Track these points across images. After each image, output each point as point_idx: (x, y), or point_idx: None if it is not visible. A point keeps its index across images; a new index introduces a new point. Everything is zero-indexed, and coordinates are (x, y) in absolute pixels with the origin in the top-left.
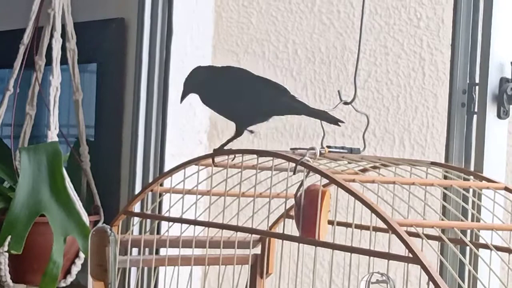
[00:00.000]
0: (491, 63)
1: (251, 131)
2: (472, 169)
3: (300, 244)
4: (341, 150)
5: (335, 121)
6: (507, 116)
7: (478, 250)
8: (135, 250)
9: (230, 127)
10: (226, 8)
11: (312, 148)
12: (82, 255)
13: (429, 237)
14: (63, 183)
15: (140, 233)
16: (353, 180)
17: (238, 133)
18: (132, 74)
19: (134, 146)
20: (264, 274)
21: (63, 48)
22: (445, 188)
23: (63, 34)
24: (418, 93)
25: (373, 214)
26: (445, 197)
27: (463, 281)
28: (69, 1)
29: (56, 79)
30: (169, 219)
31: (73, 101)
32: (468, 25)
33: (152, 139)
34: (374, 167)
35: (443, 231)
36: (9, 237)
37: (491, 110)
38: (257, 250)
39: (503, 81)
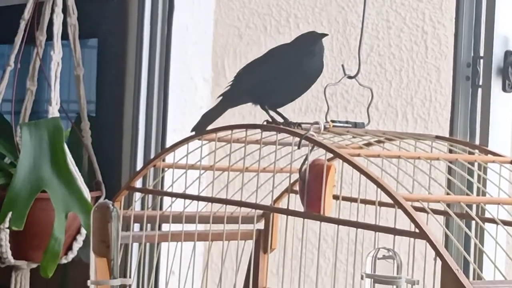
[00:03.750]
0: (496, 36)
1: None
2: (477, 143)
3: (304, 219)
4: (346, 125)
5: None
6: None
7: (484, 224)
8: (137, 226)
9: None
10: None
11: (317, 123)
12: (83, 231)
13: (434, 211)
14: (64, 159)
15: (142, 209)
16: (358, 155)
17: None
18: (133, 49)
19: (136, 121)
20: (268, 249)
21: (64, 23)
22: (450, 162)
23: (64, 9)
24: (421, 67)
25: (378, 189)
26: (450, 171)
27: (469, 255)
28: None
29: (57, 54)
30: (172, 195)
31: (74, 76)
32: None
33: (153, 114)
34: (379, 141)
35: (448, 205)
36: (10, 213)
37: (496, 84)
38: (261, 225)
39: (508, 54)
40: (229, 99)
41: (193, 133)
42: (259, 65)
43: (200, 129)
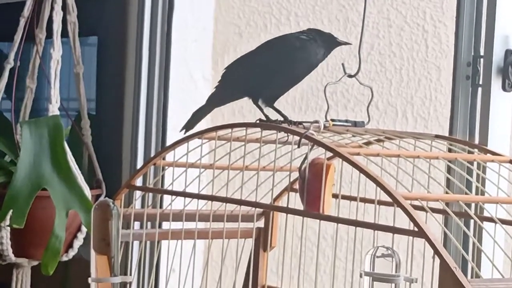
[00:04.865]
0: (496, 35)
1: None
2: (476, 142)
3: (304, 218)
4: (345, 123)
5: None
6: None
7: (482, 223)
8: (137, 224)
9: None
10: None
11: (316, 121)
12: (84, 229)
13: (433, 210)
14: (64, 157)
15: (142, 207)
16: (358, 154)
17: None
18: (133, 47)
19: (136, 120)
20: (268, 247)
21: (64, 21)
22: (450, 161)
23: (64, 7)
24: (421, 66)
25: (377, 188)
26: (449, 170)
27: (467, 254)
28: None
29: (57, 52)
30: (172, 193)
31: (74, 74)
32: None
33: (153, 112)
34: (379, 140)
35: (447, 204)
36: (11, 211)
37: (496, 83)
38: (261, 223)
39: (508, 53)
40: (215, 98)
41: (183, 131)
42: (250, 56)
43: (188, 128)
